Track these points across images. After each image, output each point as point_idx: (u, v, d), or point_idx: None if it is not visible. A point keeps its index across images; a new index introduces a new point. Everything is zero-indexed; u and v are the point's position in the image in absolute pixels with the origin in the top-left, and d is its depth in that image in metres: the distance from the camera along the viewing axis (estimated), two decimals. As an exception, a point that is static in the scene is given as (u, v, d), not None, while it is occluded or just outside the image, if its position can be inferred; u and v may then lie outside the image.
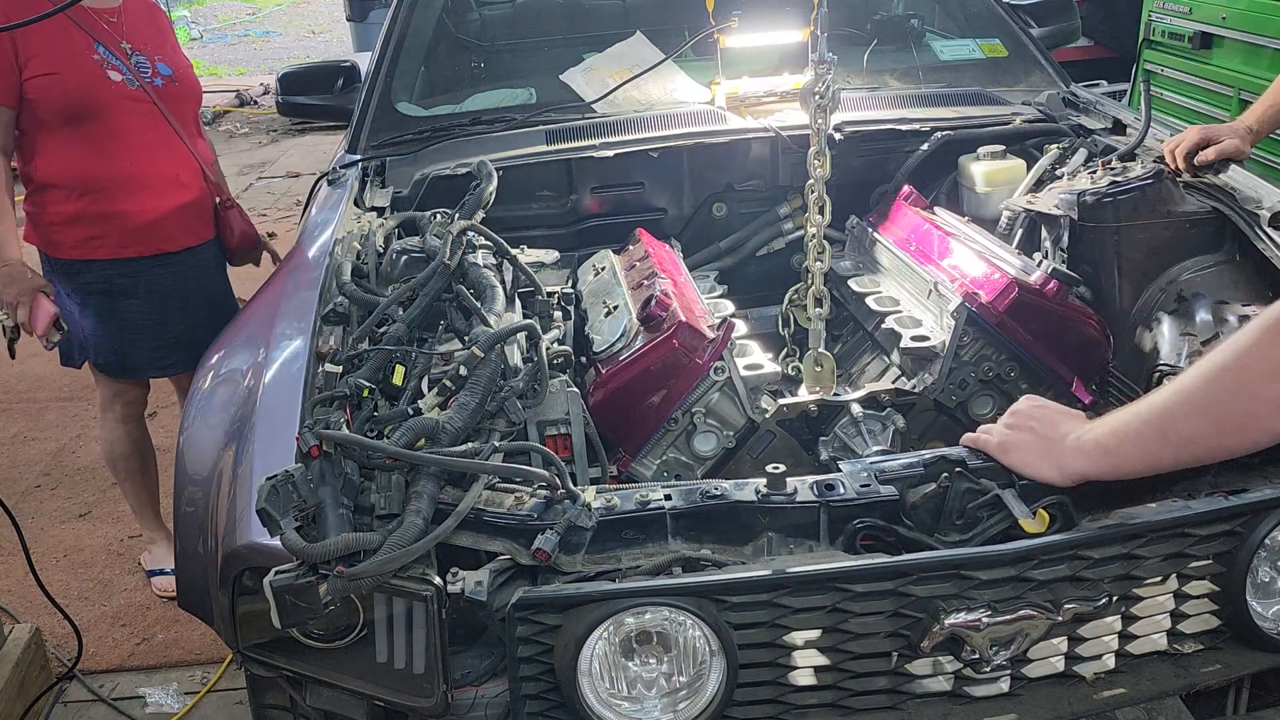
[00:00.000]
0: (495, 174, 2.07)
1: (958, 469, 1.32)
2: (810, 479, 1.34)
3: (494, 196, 2.05)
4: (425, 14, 2.86)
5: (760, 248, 2.48)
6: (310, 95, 2.93)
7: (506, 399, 1.47)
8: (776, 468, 1.32)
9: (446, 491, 1.34)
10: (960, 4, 3.06)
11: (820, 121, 1.91)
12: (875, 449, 1.76)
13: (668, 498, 1.33)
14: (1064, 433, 1.29)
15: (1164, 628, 1.34)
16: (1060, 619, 1.25)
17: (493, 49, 2.92)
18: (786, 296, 2.29)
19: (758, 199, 2.48)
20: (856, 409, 1.79)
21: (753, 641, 1.26)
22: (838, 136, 2.30)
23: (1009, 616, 1.23)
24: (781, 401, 1.82)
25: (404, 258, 1.91)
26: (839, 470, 1.37)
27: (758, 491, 1.31)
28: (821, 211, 1.92)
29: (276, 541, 1.27)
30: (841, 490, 1.31)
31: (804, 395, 1.89)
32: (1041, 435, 1.31)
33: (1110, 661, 1.33)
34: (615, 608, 1.23)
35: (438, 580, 1.24)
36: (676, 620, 1.26)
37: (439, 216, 1.97)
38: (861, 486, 1.32)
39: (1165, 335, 1.91)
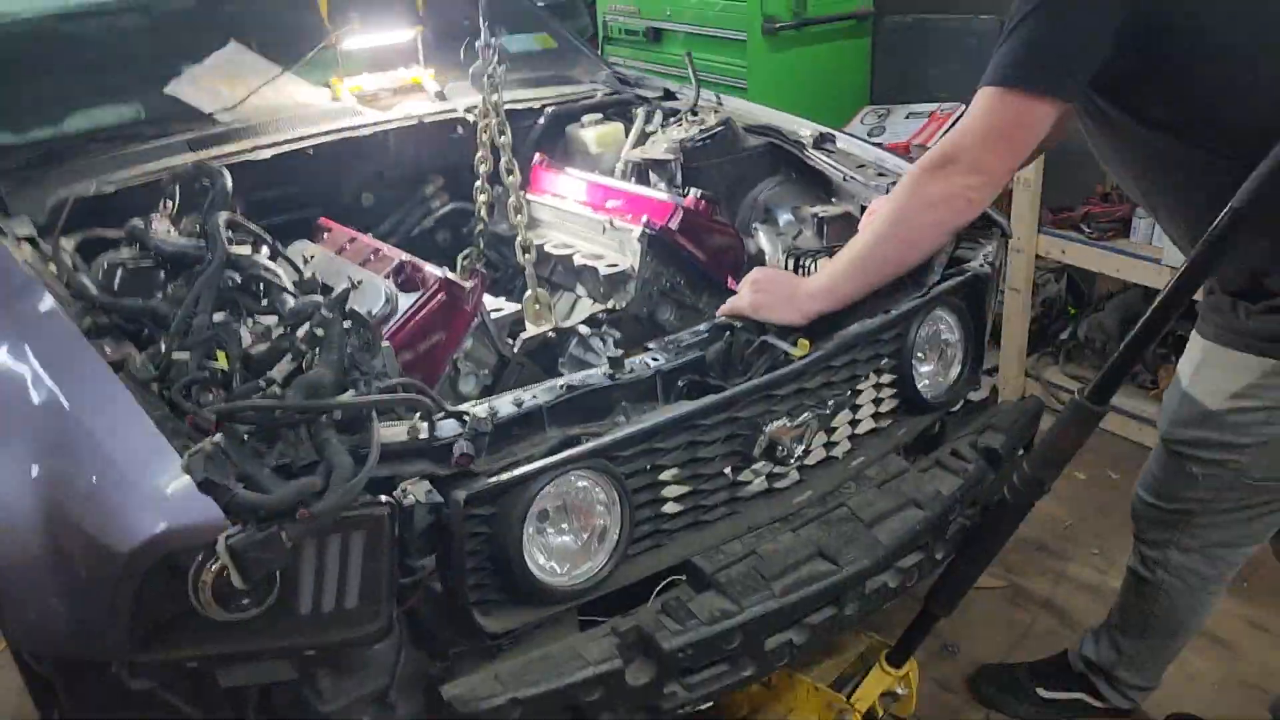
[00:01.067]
0: (225, 170, 2.06)
1: (729, 329, 1.75)
2: (638, 358, 1.68)
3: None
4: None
5: (413, 229, 2.70)
6: None
7: (354, 353, 1.60)
8: (617, 351, 1.65)
9: (342, 438, 1.46)
10: (504, 6, 3.48)
11: (496, 96, 2.23)
12: (605, 359, 2.13)
13: (534, 397, 1.59)
14: (795, 286, 1.78)
15: (871, 412, 1.91)
16: (827, 412, 1.75)
17: (71, 69, 2.74)
18: (459, 262, 2.55)
19: (402, 184, 2.70)
20: (584, 329, 2.15)
21: (636, 486, 1.58)
22: (471, 119, 2.60)
23: (802, 417, 1.70)
24: (524, 335, 2.12)
25: (119, 269, 1.87)
26: (650, 350, 1.73)
27: (606, 374, 1.63)
28: (511, 172, 2.24)
29: (184, 523, 1.32)
30: (665, 360, 1.68)
31: (538, 328, 2.20)
32: (780, 293, 1.78)
33: (848, 443, 1.87)
34: (540, 484, 1.48)
35: (390, 498, 1.38)
36: (580, 485, 1.53)
37: (154, 223, 1.94)
38: (676, 355, 1.69)
39: (764, 239, 2.52)
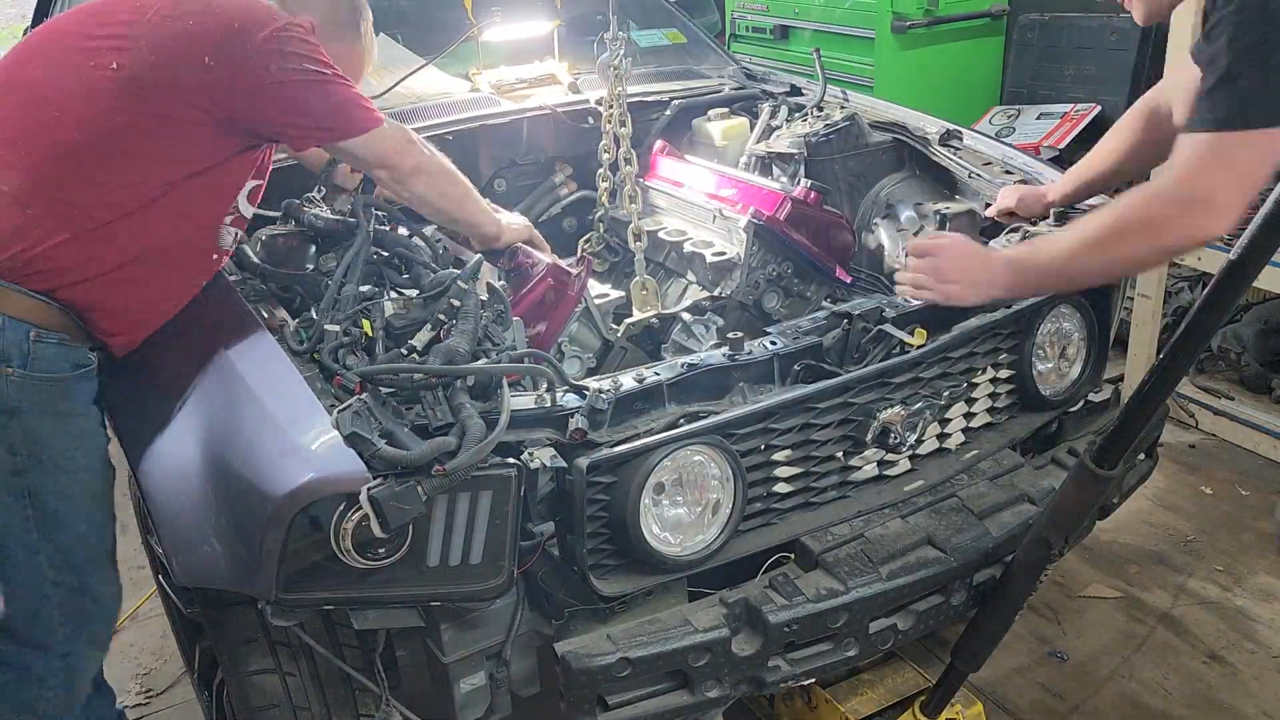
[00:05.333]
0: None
1: (847, 317, 1.78)
2: (758, 341, 1.73)
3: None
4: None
5: (541, 215, 2.80)
6: None
7: (488, 325, 1.69)
8: (736, 334, 1.70)
9: (475, 404, 1.55)
10: (636, 2, 3.57)
11: (620, 87, 2.30)
12: (708, 345, 2.16)
13: (656, 373, 1.65)
14: (988, 264, 1.71)
15: (987, 406, 1.91)
16: (942, 403, 1.77)
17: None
18: (580, 246, 2.64)
19: (535, 171, 2.80)
20: (687, 316, 2.19)
21: (750, 464, 1.63)
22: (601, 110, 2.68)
23: (916, 406, 1.72)
24: (628, 320, 2.18)
25: (277, 242, 2.01)
26: (769, 334, 1.77)
27: (725, 355, 1.68)
28: (629, 161, 2.31)
29: (331, 474, 1.42)
30: (783, 345, 1.72)
31: (643, 313, 2.26)
32: (971, 276, 1.70)
33: (962, 435, 1.88)
34: (658, 456, 1.54)
35: (517, 461, 1.47)
36: (696, 459, 1.59)
37: (312, 204, 2.08)
38: (794, 340, 1.74)
39: (884, 234, 2.53)
